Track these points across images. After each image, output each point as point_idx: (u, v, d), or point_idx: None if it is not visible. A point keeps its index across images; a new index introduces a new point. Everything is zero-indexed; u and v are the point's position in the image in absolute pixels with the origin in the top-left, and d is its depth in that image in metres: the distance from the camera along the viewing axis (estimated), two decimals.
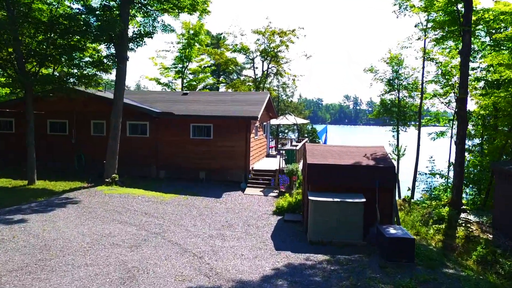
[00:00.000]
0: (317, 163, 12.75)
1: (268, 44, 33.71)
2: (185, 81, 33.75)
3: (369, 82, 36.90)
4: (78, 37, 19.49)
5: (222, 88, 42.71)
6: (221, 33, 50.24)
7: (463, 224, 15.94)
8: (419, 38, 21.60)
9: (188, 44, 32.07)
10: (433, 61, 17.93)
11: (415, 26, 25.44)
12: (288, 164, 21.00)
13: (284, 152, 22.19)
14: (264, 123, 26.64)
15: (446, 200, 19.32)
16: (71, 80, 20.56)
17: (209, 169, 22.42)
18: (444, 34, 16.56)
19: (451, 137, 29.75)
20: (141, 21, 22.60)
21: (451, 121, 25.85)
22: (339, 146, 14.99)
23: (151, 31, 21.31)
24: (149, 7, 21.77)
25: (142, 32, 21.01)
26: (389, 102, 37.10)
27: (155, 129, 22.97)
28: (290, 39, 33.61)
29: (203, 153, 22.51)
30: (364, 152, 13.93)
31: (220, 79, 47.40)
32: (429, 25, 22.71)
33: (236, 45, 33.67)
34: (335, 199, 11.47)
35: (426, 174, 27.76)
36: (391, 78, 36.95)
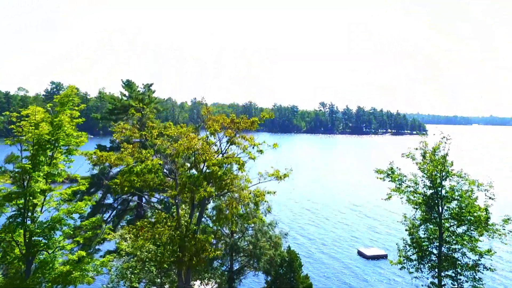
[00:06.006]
0: None
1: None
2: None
3: (386, 192, 19.35)
4: None
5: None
6: (150, 84, 33.17)
7: None
8: None
9: (32, 170, 14.64)
10: None
11: None
12: None
13: None
14: None
15: None
16: None
17: None
18: None
19: None
20: None
21: None
22: None
23: None
24: None
25: None
26: (424, 239, 20.91)
27: None
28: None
29: None
30: None
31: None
32: None
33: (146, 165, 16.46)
34: None
35: None
36: (430, 194, 20.86)
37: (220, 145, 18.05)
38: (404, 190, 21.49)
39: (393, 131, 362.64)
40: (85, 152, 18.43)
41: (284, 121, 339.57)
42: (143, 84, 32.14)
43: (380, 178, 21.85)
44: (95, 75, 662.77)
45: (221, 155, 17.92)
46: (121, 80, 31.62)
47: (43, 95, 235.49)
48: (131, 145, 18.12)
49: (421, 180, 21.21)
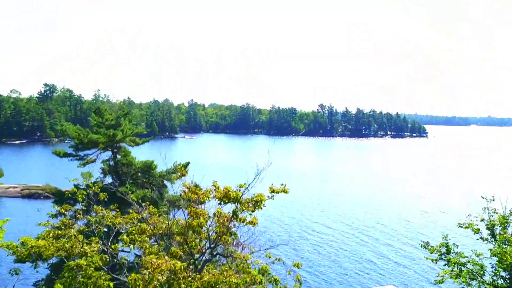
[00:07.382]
0: None
1: None
2: None
3: (437, 274, 12.78)
4: None
5: None
6: (126, 113, 27.02)
7: None
8: None
9: None
10: None
11: None
12: None
13: None
14: None
15: None
16: None
17: None
18: None
19: None
20: None
21: None
22: None
23: None
24: None
25: None
26: None
27: None
28: None
29: None
30: None
31: None
32: None
33: None
34: None
35: None
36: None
37: (208, 233, 12.00)
38: (465, 275, 15.48)
39: (393, 133, 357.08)
40: (7, 243, 12.31)
41: (283, 124, 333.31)
42: (118, 111, 26.08)
43: (433, 260, 15.82)
44: (95, 75, 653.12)
45: (209, 249, 11.91)
46: (92, 107, 25.51)
47: (36, 97, 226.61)
48: (75, 231, 12.06)
49: (491, 266, 15.22)
